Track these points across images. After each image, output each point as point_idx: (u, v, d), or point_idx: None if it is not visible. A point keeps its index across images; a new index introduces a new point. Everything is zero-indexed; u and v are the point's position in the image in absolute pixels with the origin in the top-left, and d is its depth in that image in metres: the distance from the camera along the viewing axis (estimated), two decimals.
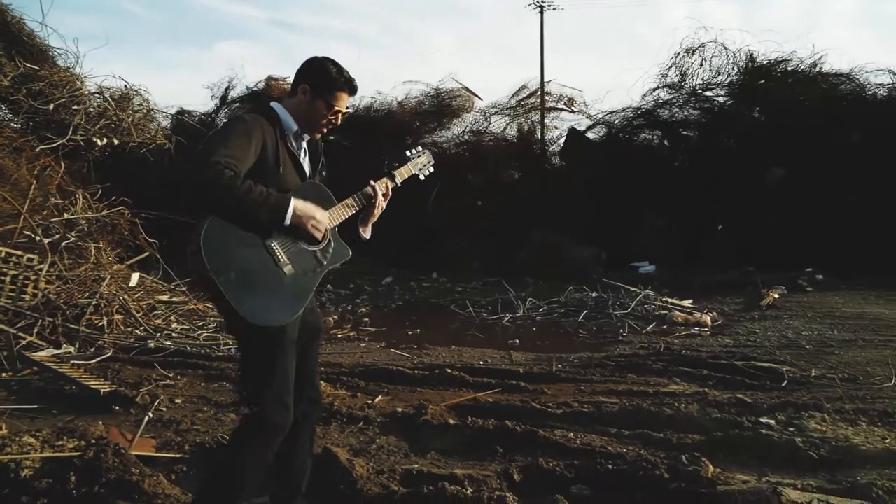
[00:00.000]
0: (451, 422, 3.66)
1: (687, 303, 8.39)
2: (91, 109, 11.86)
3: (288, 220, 2.14)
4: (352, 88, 2.39)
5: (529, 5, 24.42)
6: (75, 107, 11.39)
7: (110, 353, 5.69)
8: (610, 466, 2.96)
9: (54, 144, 10.19)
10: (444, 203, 13.54)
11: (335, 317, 8.10)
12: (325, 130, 2.43)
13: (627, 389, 4.48)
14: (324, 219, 2.26)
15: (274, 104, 2.37)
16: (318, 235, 2.25)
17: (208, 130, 15.42)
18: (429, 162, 2.79)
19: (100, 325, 6.37)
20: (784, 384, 4.52)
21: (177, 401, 4.36)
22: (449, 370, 4.86)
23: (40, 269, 6.77)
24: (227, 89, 16.77)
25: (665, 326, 7.18)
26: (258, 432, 2.24)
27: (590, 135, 14.08)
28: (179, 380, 4.91)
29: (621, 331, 6.88)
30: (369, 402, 4.26)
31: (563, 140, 14.33)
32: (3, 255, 6.76)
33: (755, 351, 5.71)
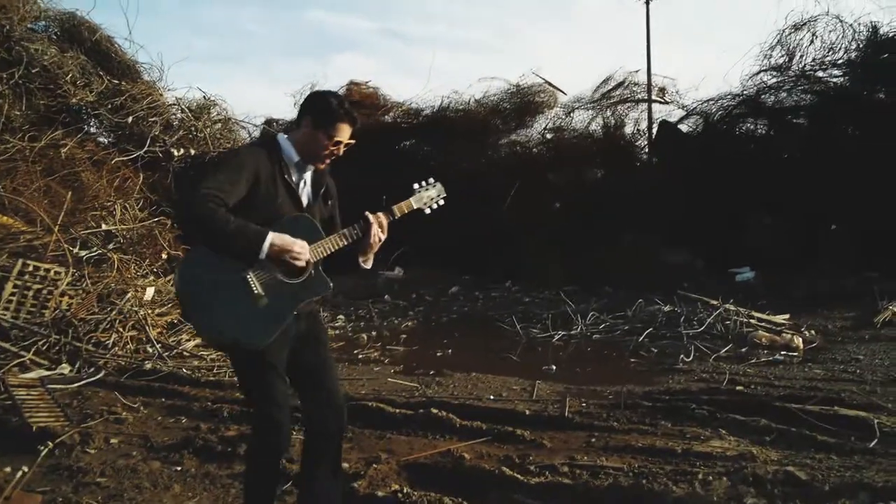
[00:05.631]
0: (381, 493, 2.83)
1: (781, 318, 7.02)
2: (171, 121, 11.96)
3: (263, 254, 2.20)
4: (352, 120, 2.43)
5: None
6: (152, 118, 11.49)
7: (100, 375, 5.30)
8: None
9: (132, 156, 10.26)
10: (523, 205, 12.63)
11: (372, 333, 7.42)
12: (327, 161, 2.46)
13: (649, 445, 3.45)
14: (304, 250, 2.28)
15: (280, 136, 2.46)
16: (300, 265, 2.29)
17: None
18: (439, 195, 2.71)
19: (107, 342, 6.04)
20: (872, 444, 3.33)
21: (112, 441, 3.80)
22: (436, 410, 4.01)
23: (59, 283, 6.55)
24: None
25: (744, 349, 5.94)
26: (251, 457, 2.47)
27: (683, 127, 12.66)
28: (141, 411, 4.38)
29: (682, 356, 5.72)
30: None
31: (653, 134, 13.00)
32: (31, 268, 6.59)
33: (848, 388, 4.44)
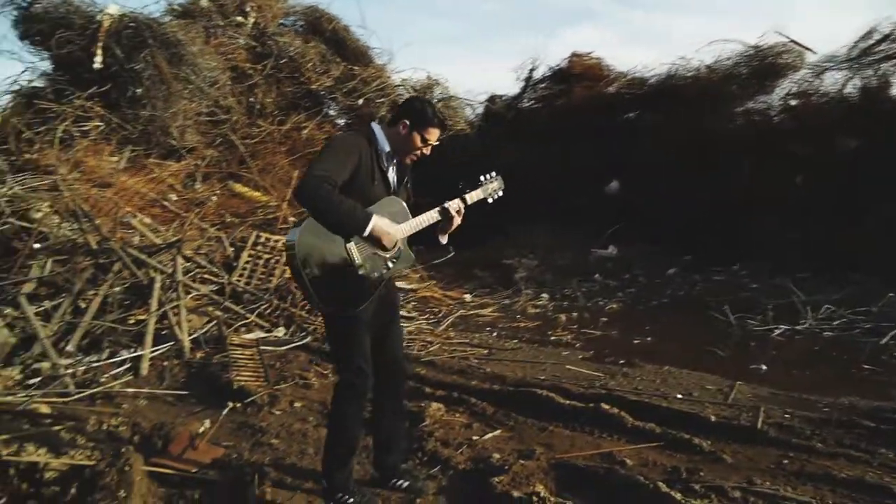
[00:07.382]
0: (517, 494, 2.65)
1: None
2: (398, 101, 12.70)
3: (367, 233, 2.53)
4: (443, 126, 2.78)
5: None
6: (380, 100, 12.29)
7: (307, 340, 5.74)
8: None
9: None
10: (759, 179, 11.35)
11: (573, 314, 7.16)
12: (415, 158, 2.80)
13: (856, 478, 2.84)
14: (397, 234, 2.64)
15: (374, 127, 2.79)
16: (389, 246, 2.63)
17: (510, 113, 15.44)
18: (500, 187, 3.01)
19: None
20: None
21: (296, 404, 4.08)
22: (607, 406, 3.71)
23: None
24: (531, 71, 16.51)
25: None
26: (345, 395, 2.76)
27: None
28: (329, 378, 4.65)
29: None
30: (475, 437, 3.42)
31: None
32: (263, 239, 7.38)
33: None
